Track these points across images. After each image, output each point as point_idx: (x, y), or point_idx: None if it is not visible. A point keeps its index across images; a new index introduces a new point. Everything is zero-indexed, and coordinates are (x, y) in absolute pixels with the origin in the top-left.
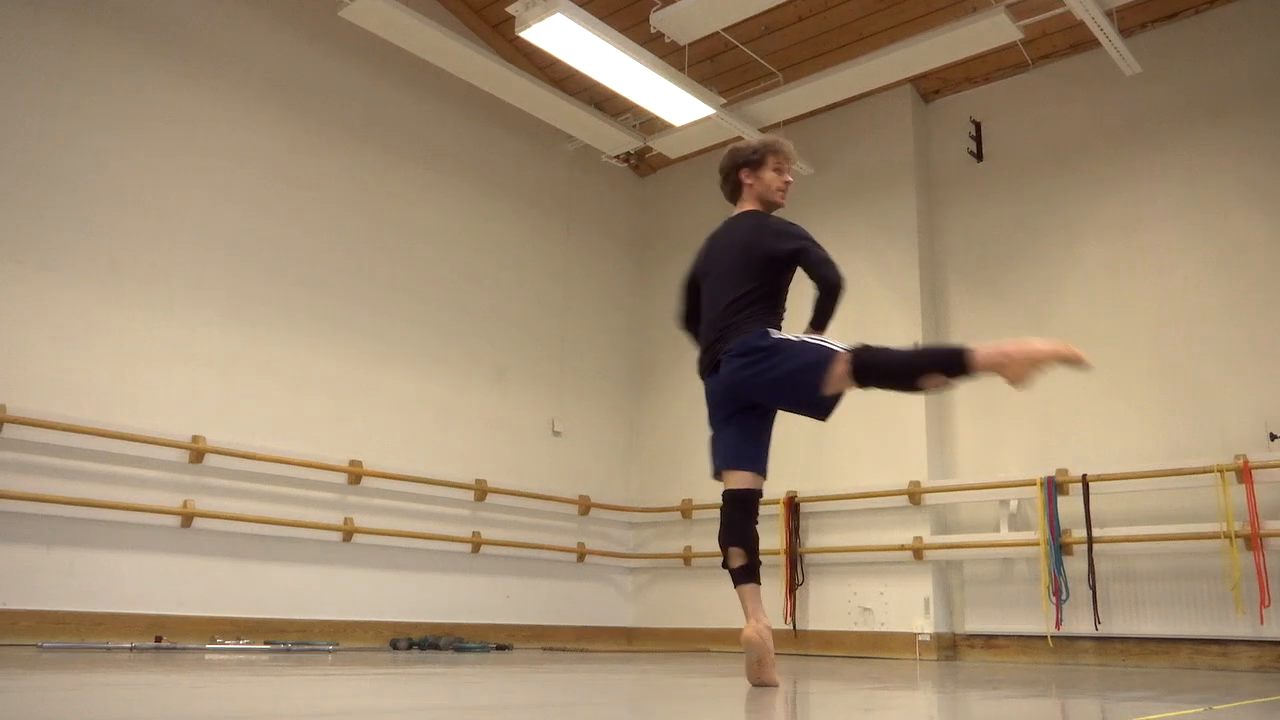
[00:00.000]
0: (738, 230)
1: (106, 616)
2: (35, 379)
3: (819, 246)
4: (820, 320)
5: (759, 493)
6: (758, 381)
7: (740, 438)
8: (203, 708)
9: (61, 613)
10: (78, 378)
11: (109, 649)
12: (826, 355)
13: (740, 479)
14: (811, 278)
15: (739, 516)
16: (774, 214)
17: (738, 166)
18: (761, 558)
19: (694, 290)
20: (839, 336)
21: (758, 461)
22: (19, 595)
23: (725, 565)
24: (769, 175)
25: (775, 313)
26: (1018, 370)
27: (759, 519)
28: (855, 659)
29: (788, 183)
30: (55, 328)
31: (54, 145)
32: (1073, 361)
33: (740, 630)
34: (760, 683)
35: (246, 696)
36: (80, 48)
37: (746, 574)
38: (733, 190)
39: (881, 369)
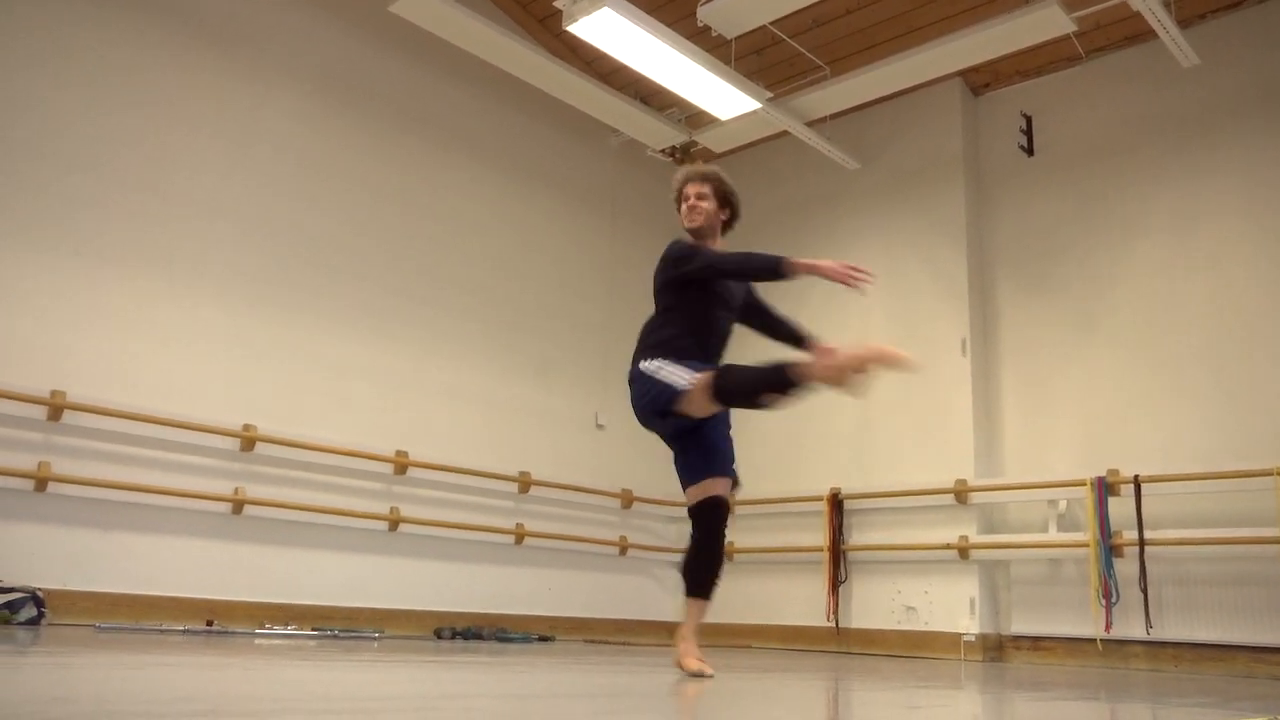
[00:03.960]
0: None
1: (160, 600)
2: (93, 368)
3: (689, 262)
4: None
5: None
6: (636, 406)
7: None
8: (260, 690)
9: (117, 595)
10: (134, 367)
11: (162, 631)
12: (669, 392)
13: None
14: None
15: None
16: (705, 238)
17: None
18: (806, 553)
19: None
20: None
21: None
22: (78, 577)
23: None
24: (681, 210)
25: (667, 339)
26: (841, 378)
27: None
28: (898, 658)
29: (690, 207)
30: (112, 318)
31: (112, 141)
32: (893, 362)
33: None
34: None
35: (301, 681)
36: (142, 46)
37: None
38: None
39: (733, 392)
